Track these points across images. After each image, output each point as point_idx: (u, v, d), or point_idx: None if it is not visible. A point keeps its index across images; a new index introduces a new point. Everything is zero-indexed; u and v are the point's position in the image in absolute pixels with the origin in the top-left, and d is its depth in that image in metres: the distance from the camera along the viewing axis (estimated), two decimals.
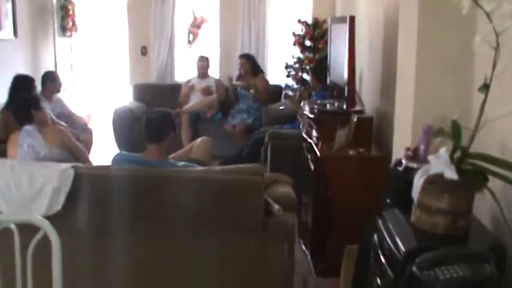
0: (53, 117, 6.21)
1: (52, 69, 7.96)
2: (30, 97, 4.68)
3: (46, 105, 6.09)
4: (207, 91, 7.62)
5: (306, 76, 7.32)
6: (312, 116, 4.53)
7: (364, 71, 5.25)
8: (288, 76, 7.56)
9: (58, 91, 6.74)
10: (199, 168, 3.59)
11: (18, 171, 3.42)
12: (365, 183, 3.84)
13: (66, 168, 3.40)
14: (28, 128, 4.18)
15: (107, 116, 7.94)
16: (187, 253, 3.38)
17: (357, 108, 4.45)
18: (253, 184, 3.26)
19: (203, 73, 7.81)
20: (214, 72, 8.15)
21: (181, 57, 8.58)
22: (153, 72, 8.42)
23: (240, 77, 7.63)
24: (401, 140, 3.19)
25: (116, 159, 3.79)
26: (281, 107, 7.04)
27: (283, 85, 7.77)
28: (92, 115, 8.28)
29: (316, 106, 4.66)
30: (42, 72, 7.13)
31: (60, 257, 2.22)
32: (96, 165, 3.85)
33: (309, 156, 4.57)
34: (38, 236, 2.21)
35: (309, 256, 4.41)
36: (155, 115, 3.89)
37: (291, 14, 7.97)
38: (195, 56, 8.00)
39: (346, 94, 4.29)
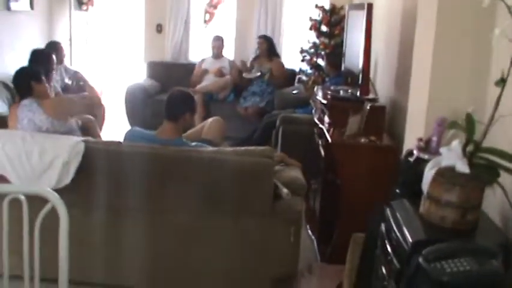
0: (59, 89, 6.23)
1: (67, 42, 7.98)
2: (30, 69, 4.63)
3: (56, 76, 6.11)
4: (220, 73, 7.62)
5: (320, 61, 7.28)
6: (324, 101, 4.51)
7: (379, 59, 5.22)
8: (302, 61, 7.51)
9: (61, 61, 6.72)
10: (211, 148, 3.59)
11: (29, 143, 3.44)
12: (375, 172, 3.83)
13: (76, 142, 3.41)
14: (26, 102, 4.07)
15: (119, 93, 7.96)
16: (196, 232, 3.42)
17: (371, 96, 4.42)
18: (264, 167, 3.28)
19: (218, 53, 7.81)
20: (229, 53, 8.14)
21: (196, 37, 8.54)
22: (167, 50, 8.39)
23: (256, 58, 7.64)
24: (414, 131, 3.18)
25: (128, 135, 3.80)
26: (294, 92, 7.02)
27: (297, 69, 7.73)
28: (103, 92, 8.28)
29: (329, 92, 4.64)
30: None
31: (67, 230, 2.23)
32: (107, 140, 3.84)
33: (320, 142, 4.56)
34: (47, 208, 2.22)
35: (315, 242, 4.42)
36: (177, 93, 3.90)
37: None
38: (210, 36, 7.98)
39: (360, 81, 4.26)
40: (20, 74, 4.34)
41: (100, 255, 3.46)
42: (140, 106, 7.42)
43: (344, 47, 5.23)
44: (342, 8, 7.21)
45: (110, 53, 9.24)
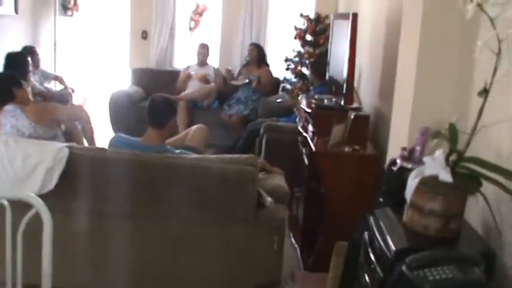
0: (42, 88, 6.22)
1: (52, 47, 7.96)
2: (10, 75, 4.62)
3: (36, 78, 6.10)
4: (204, 79, 7.64)
5: (305, 70, 7.31)
6: (309, 110, 4.52)
7: (363, 69, 5.25)
8: (287, 69, 7.54)
9: (37, 66, 6.71)
10: (195, 156, 3.60)
11: (12, 148, 3.42)
12: (358, 181, 3.84)
13: (60, 148, 3.40)
14: (9, 108, 4.08)
15: (104, 99, 7.94)
16: (181, 238, 3.42)
17: (355, 105, 4.44)
18: (247, 175, 3.28)
19: (202, 60, 7.83)
20: (213, 61, 8.16)
21: (181, 44, 8.56)
22: (152, 57, 8.40)
23: (245, 65, 7.70)
24: (397, 140, 3.20)
25: (112, 142, 3.80)
26: (278, 100, 7.05)
27: (281, 78, 7.76)
28: (87, 98, 8.27)
29: (313, 101, 4.66)
30: (42, 50, 7.17)
31: (51, 236, 2.23)
32: (92, 146, 3.84)
33: (304, 151, 4.57)
34: (30, 214, 2.22)
35: (298, 250, 4.43)
36: (159, 100, 3.86)
37: (293, 7, 7.96)
38: (196, 44, 8.00)
39: (344, 91, 4.29)
40: (2, 80, 4.32)
41: (84, 261, 3.45)
42: (124, 113, 7.40)
43: (328, 56, 5.25)
44: (326, 17, 7.25)
45: (94, 59, 9.20)
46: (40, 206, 2.21)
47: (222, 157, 3.47)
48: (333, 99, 4.61)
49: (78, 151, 3.45)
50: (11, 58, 5.75)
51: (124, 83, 8.26)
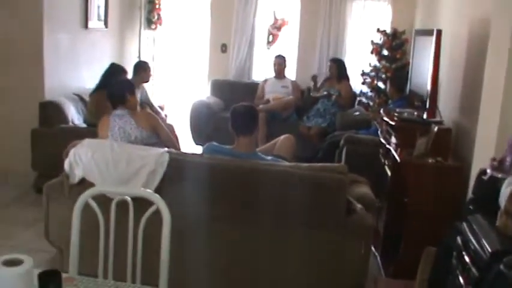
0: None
1: (135, 59, 8.30)
2: (127, 81, 4.95)
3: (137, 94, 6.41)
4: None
5: (381, 84, 7.42)
6: (392, 123, 4.65)
7: (442, 82, 5.33)
8: (363, 83, 7.67)
9: (147, 81, 7.05)
10: (287, 163, 3.76)
11: (117, 152, 3.67)
12: (441, 191, 3.94)
13: (162, 153, 3.63)
14: (118, 112, 4.39)
15: (183, 109, 8.19)
16: (268, 243, 3.56)
17: (436, 119, 4.54)
18: (338, 182, 3.42)
19: (279, 71, 8.02)
20: (291, 74, 8.34)
21: (259, 57, 8.78)
22: (231, 69, 8.65)
23: (327, 80, 7.84)
24: (484, 151, 3.31)
25: (206, 149, 3.99)
26: (356, 113, 7.16)
27: (357, 91, 7.87)
28: (165, 106, 8.56)
29: (396, 114, 4.78)
30: (127, 61, 7.50)
31: (170, 229, 2.45)
32: (189, 152, 4.04)
33: (386, 162, 4.69)
34: (151, 210, 2.45)
35: (378, 258, 4.55)
36: (243, 108, 4.02)
37: (370, 22, 8.08)
38: (274, 57, 8.18)
39: (427, 105, 4.40)
40: (119, 84, 4.65)
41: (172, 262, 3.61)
42: (204, 122, 7.66)
43: (410, 71, 5.37)
44: (403, 32, 7.37)
45: (175, 71, 9.50)
46: (160, 202, 2.44)
47: (313, 165, 3.61)
48: (414, 113, 4.72)
49: (177, 156, 3.67)
50: (113, 67, 6.14)
51: (203, 94, 8.53)
